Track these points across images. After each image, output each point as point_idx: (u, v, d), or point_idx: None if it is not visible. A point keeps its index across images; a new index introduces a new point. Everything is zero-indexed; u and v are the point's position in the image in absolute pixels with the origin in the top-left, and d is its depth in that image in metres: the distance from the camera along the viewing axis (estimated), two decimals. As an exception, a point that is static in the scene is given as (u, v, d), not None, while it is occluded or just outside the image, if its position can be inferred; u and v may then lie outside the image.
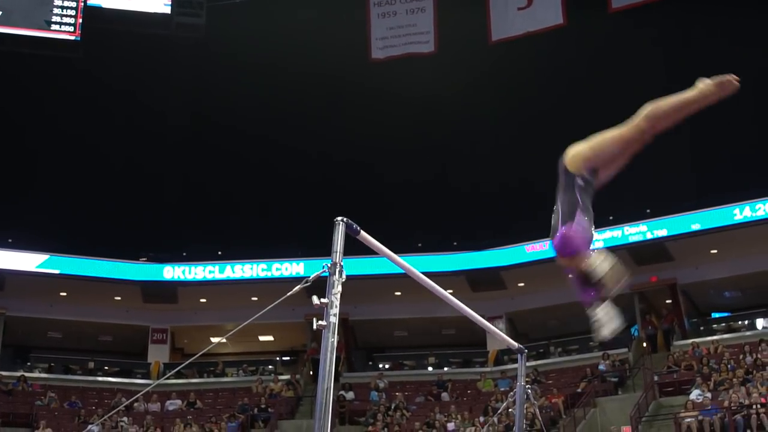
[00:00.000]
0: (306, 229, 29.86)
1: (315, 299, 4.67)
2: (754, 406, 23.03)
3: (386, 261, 5.94)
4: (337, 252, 4.79)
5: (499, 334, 7.86)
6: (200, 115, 34.67)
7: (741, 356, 26.46)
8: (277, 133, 33.45)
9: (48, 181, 33.15)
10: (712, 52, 29.24)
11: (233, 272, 31.68)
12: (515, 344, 8.06)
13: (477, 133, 33.20)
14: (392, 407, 28.20)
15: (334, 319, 4.61)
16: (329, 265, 4.74)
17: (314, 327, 4.62)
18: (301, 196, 33.01)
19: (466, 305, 7.04)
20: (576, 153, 5.59)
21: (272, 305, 4.94)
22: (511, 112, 32.48)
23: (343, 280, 4.71)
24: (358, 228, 5.07)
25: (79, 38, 31.59)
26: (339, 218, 4.93)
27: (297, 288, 4.83)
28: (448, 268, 30.35)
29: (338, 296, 4.67)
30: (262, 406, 28.81)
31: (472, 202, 32.65)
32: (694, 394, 24.67)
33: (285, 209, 33.38)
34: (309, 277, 4.85)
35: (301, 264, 31.09)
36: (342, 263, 4.75)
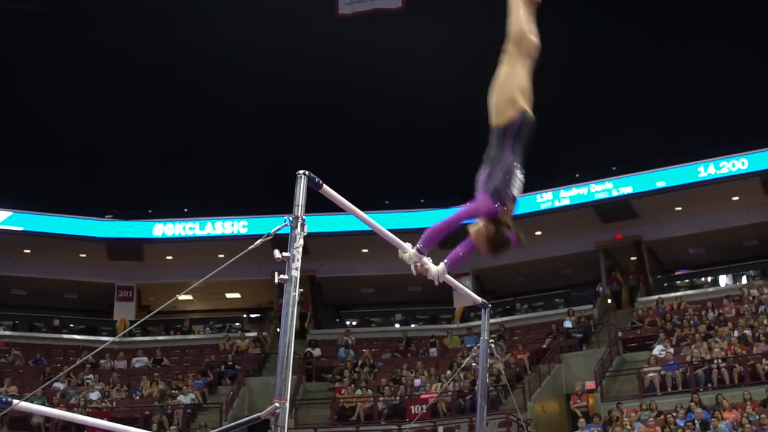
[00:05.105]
0: (273, 186, 29.69)
1: (276, 253, 4.64)
2: (715, 361, 23.37)
3: (354, 218, 5.92)
4: (298, 206, 4.75)
5: (464, 290, 7.85)
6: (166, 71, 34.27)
7: (704, 312, 26.70)
8: (242, 89, 33.14)
9: (11, 137, 32.72)
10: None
11: (200, 229, 31.53)
12: (479, 299, 8.07)
13: (444, 88, 33.01)
14: (359, 364, 28.31)
15: (296, 273, 4.59)
16: (291, 218, 4.70)
17: (276, 281, 4.59)
18: (266, 152, 32.76)
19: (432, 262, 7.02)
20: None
21: (233, 258, 4.91)
22: (483, 68, 32.25)
23: (305, 233, 4.67)
24: (320, 181, 5.04)
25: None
26: (301, 171, 4.89)
27: (258, 242, 4.80)
28: (415, 225, 30.27)
29: (300, 250, 4.64)
30: (229, 363, 28.81)
31: (440, 159, 32.53)
32: (657, 350, 24.95)
33: (251, 166, 33.15)
34: (270, 232, 4.81)
35: (269, 220, 30.93)
36: (304, 217, 4.71)
